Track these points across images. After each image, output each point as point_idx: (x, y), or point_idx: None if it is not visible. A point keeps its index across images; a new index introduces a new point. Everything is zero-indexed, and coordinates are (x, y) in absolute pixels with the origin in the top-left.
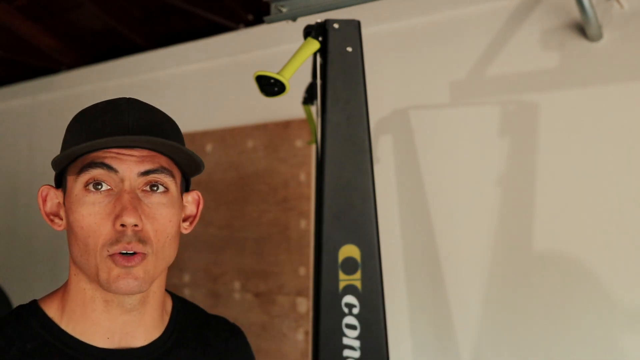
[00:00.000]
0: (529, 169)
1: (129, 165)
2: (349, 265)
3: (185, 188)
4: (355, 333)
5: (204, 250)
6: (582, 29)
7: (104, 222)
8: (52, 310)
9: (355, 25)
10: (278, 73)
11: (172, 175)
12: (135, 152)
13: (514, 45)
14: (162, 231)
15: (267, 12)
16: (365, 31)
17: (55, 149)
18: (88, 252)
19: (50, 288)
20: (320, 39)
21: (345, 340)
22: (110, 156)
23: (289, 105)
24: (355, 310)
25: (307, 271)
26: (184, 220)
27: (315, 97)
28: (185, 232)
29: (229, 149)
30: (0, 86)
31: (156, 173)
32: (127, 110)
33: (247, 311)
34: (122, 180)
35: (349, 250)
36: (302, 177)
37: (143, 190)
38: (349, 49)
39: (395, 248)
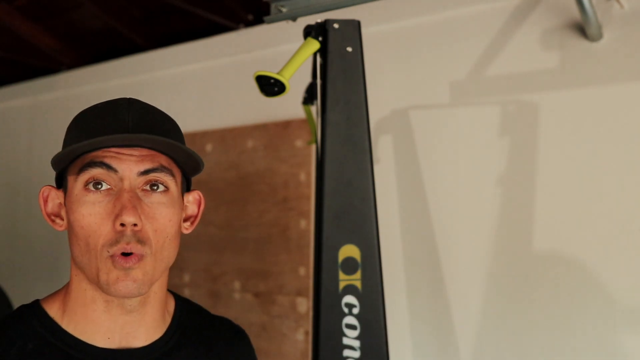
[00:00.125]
0: (529, 169)
1: (129, 165)
2: (349, 265)
3: (186, 188)
4: (355, 333)
5: (204, 250)
6: (582, 29)
7: (104, 222)
8: (53, 310)
9: (355, 25)
10: (278, 73)
11: (172, 175)
12: (135, 152)
13: (514, 45)
14: (162, 231)
15: (267, 12)
16: (365, 31)
17: (55, 149)
18: (89, 252)
19: (51, 288)
20: (320, 39)
21: (345, 340)
22: (110, 155)
23: (289, 105)
24: (355, 310)
25: (307, 271)
26: (185, 220)
27: (315, 97)
28: (186, 232)
29: (229, 149)
30: (0, 86)
31: (156, 172)
32: (127, 110)
33: (247, 311)
34: (121, 180)
35: (349, 250)
36: (302, 177)
37: (143, 190)
38: (349, 49)
39: (395, 248)
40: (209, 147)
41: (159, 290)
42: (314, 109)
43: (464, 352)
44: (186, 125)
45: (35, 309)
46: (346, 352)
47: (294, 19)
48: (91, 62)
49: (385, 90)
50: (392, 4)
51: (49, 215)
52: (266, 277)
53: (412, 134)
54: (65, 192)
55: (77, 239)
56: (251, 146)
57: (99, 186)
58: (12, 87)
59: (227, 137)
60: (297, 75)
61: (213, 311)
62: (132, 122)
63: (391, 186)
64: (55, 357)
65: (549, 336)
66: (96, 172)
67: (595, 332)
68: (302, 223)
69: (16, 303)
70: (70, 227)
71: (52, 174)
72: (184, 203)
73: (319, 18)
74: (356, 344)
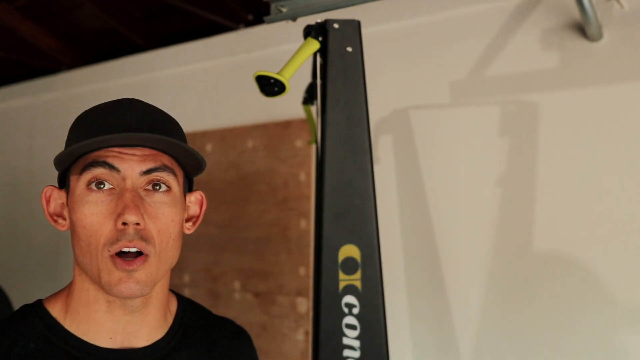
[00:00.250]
0: (529, 169)
1: (131, 165)
2: (349, 265)
3: (188, 188)
4: (355, 333)
5: (204, 250)
6: (582, 29)
7: (106, 221)
8: (55, 310)
9: (355, 25)
10: (278, 73)
11: (174, 174)
12: (137, 152)
13: (514, 45)
14: (165, 230)
15: (267, 12)
16: (365, 31)
17: (56, 149)
18: (90, 252)
19: (51, 288)
20: (320, 39)
21: (345, 340)
22: (112, 155)
23: (289, 105)
24: (355, 310)
25: (307, 271)
26: (187, 220)
27: (315, 97)
28: (188, 232)
29: (229, 149)
30: (0, 86)
31: (158, 171)
32: (129, 110)
33: (247, 311)
34: (124, 179)
35: (349, 250)
36: (302, 177)
37: (145, 189)
38: (349, 49)
39: (395, 248)
40: (209, 147)
41: (160, 290)
42: (314, 109)
43: (464, 352)
44: (186, 125)
45: (37, 308)
46: (346, 352)
47: (294, 19)
48: (91, 62)
49: (385, 90)
50: (392, 4)
51: (51, 216)
52: (266, 277)
53: (412, 134)
54: (67, 192)
55: (79, 239)
56: (251, 146)
57: (102, 186)
58: (12, 87)
59: (227, 137)
60: (297, 75)
61: (213, 311)
62: (134, 122)
63: (391, 186)
64: (57, 356)
65: (549, 336)
66: (99, 171)
67: (595, 332)
68: (302, 223)
69: (16, 303)
70: (72, 227)
71: (53, 174)
72: (186, 203)
73: (319, 18)
74: (356, 344)
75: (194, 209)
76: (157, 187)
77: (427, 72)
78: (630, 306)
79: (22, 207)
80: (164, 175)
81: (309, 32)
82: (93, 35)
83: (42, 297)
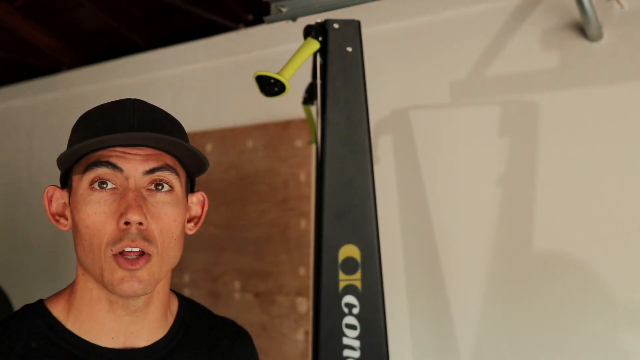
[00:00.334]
0: (529, 169)
1: (134, 164)
2: (349, 265)
3: (190, 189)
4: (355, 333)
5: (204, 250)
6: (582, 29)
7: (109, 221)
8: (57, 310)
9: (355, 25)
10: (278, 73)
11: (177, 174)
12: (140, 151)
13: (514, 45)
14: (167, 230)
15: (267, 12)
16: (365, 31)
17: (56, 149)
18: (92, 252)
19: (51, 288)
20: (320, 39)
21: (345, 340)
22: (115, 155)
23: (289, 105)
24: (355, 310)
25: (307, 271)
26: (189, 221)
27: (315, 97)
28: (189, 233)
29: (229, 149)
30: (0, 86)
31: (161, 170)
32: (132, 110)
33: (247, 311)
34: (127, 179)
35: (349, 250)
36: (302, 177)
37: (148, 189)
38: (349, 49)
39: (395, 248)
40: (209, 147)
41: (161, 290)
42: (314, 109)
43: (464, 352)
44: (186, 125)
45: (39, 308)
46: (346, 352)
47: (294, 19)
48: (91, 62)
49: (385, 90)
50: (392, 4)
51: (53, 215)
52: (266, 277)
53: (412, 134)
54: (70, 192)
55: (81, 239)
56: (251, 146)
57: (104, 185)
58: (12, 87)
59: (227, 137)
60: (297, 75)
61: (213, 311)
62: (137, 122)
63: (391, 186)
64: (59, 356)
65: (549, 336)
66: (102, 171)
67: (595, 332)
68: (302, 223)
69: (16, 303)
70: (74, 227)
71: (53, 174)
72: (188, 203)
73: (319, 18)
74: (356, 344)
75: (195, 210)
76: (160, 187)
77: (427, 72)
78: (630, 306)
79: (22, 207)
80: (166, 175)
81: (309, 32)
82: (93, 35)
83: (42, 297)
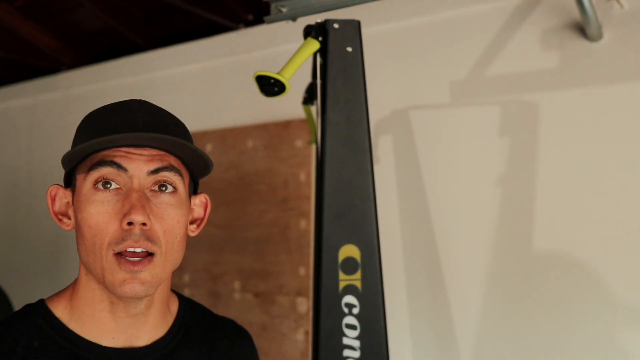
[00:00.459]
0: (529, 169)
1: (139, 164)
2: (349, 265)
3: (193, 191)
4: (355, 333)
5: (204, 250)
6: (582, 29)
7: (112, 221)
8: (59, 309)
9: (355, 25)
10: (278, 73)
11: (181, 175)
12: (145, 152)
13: (514, 45)
14: (171, 231)
15: (267, 12)
16: (365, 31)
17: (55, 149)
18: (94, 252)
19: (51, 288)
20: (320, 39)
21: (345, 340)
22: (120, 155)
23: (289, 105)
24: (355, 310)
25: (307, 271)
26: (191, 222)
27: (315, 97)
28: (192, 234)
29: (229, 149)
30: (1, 86)
31: (165, 171)
32: (137, 111)
33: (247, 311)
34: (131, 179)
35: (349, 250)
36: (302, 177)
37: (152, 190)
38: (349, 49)
39: (395, 248)
40: (209, 147)
41: (162, 291)
42: (314, 109)
43: (464, 352)
44: (186, 125)
45: (40, 308)
46: (346, 352)
47: (294, 19)
48: (91, 62)
49: (385, 90)
50: (392, 4)
51: (56, 214)
52: (266, 277)
53: (412, 134)
54: (73, 191)
55: (84, 238)
56: (251, 146)
57: (108, 185)
58: (12, 87)
59: (227, 137)
60: (297, 75)
61: (213, 311)
62: (141, 123)
63: (391, 186)
64: (60, 355)
65: (549, 336)
66: (106, 171)
67: (595, 332)
68: (302, 223)
69: (16, 303)
70: (77, 226)
71: (52, 174)
72: (191, 205)
73: (319, 18)
74: (356, 344)
75: (198, 212)
76: (164, 188)
77: (427, 72)
78: (630, 306)
79: (22, 207)
80: (170, 176)
81: (309, 32)
82: (93, 35)
83: (42, 296)
